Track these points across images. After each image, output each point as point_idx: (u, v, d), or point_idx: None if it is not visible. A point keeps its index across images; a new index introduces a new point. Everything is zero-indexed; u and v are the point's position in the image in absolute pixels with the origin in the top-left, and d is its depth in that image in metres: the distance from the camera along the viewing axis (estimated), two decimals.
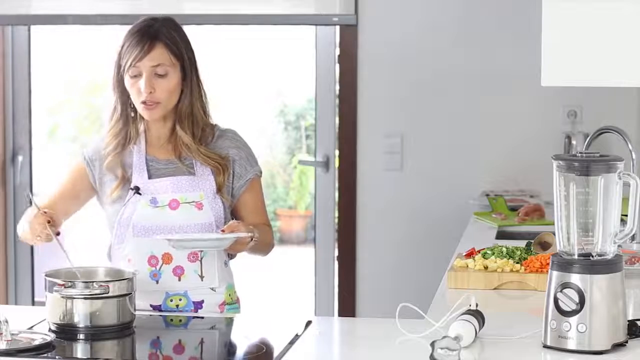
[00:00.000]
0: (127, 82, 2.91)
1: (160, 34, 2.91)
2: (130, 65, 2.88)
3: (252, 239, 2.83)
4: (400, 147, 4.95)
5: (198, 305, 2.90)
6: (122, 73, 2.92)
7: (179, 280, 2.89)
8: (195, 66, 2.98)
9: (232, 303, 2.98)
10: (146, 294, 2.85)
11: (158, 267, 2.88)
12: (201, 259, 2.90)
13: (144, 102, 2.89)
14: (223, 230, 2.81)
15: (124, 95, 2.95)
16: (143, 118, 2.95)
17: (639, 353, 2.25)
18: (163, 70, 2.90)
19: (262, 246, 2.97)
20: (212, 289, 2.92)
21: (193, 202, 2.90)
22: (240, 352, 2.52)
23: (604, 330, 2.23)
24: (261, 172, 3.04)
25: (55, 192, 3.00)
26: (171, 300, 2.89)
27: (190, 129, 2.95)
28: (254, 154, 3.05)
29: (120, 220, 2.90)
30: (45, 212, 2.77)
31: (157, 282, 2.88)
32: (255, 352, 2.42)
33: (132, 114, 2.97)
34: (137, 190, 2.90)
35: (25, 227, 2.85)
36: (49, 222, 2.76)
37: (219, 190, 2.93)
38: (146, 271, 2.87)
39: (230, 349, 2.57)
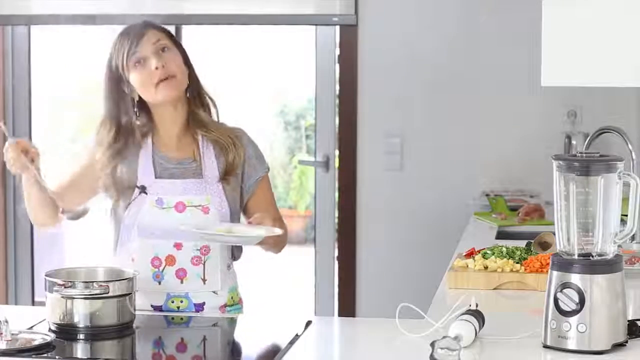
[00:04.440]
0: (134, 74, 2.87)
1: (146, 24, 2.92)
2: (130, 52, 2.87)
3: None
4: (400, 147, 4.95)
5: (199, 307, 2.90)
6: (127, 73, 2.88)
7: (181, 282, 2.88)
8: (186, 52, 2.97)
9: (234, 305, 2.97)
10: (148, 294, 2.85)
11: (161, 268, 2.88)
12: (204, 262, 2.89)
13: (159, 82, 2.86)
14: (250, 222, 2.80)
15: (118, 104, 2.91)
16: (149, 120, 2.94)
17: (639, 353, 2.25)
18: (164, 45, 2.89)
19: (278, 243, 2.97)
20: (214, 292, 2.92)
21: (199, 205, 2.89)
22: (240, 351, 2.52)
23: (604, 330, 2.23)
24: (269, 169, 3.05)
25: (65, 182, 2.96)
26: (172, 302, 2.89)
27: (201, 108, 2.96)
28: (261, 151, 3.05)
29: (126, 219, 2.89)
30: (18, 142, 2.76)
31: (160, 283, 2.88)
32: (255, 352, 2.42)
33: (135, 119, 2.92)
34: (143, 189, 2.89)
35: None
36: (24, 152, 2.77)
37: (228, 173, 2.92)
38: (149, 272, 2.86)
39: (231, 348, 2.57)
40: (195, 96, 2.97)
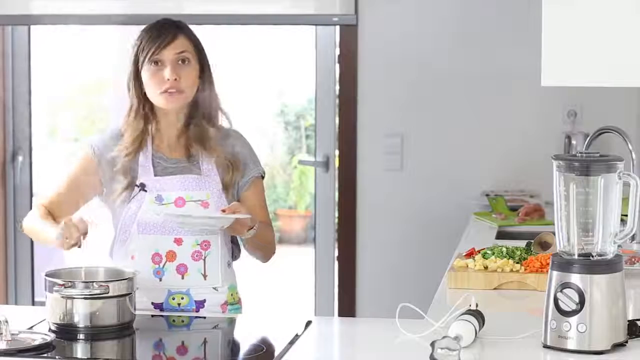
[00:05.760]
0: (147, 72, 2.89)
1: (182, 25, 2.94)
2: (153, 54, 2.88)
3: (252, 227, 2.83)
4: (400, 147, 4.95)
5: (200, 304, 2.90)
6: (140, 67, 2.91)
7: (182, 278, 2.89)
8: (209, 64, 2.98)
9: (234, 303, 2.98)
10: (148, 291, 2.85)
11: (162, 264, 2.88)
12: (205, 257, 2.90)
13: (165, 91, 2.88)
14: (224, 210, 2.80)
15: (140, 93, 2.93)
16: (153, 118, 2.94)
17: (639, 353, 2.25)
18: (187, 57, 2.90)
19: (262, 244, 2.97)
20: (214, 288, 2.92)
21: (199, 200, 2.90)
22: (240, 352, 2.52)
23: (604, 330, 2.23)
24: (264, 173, 3.05)
25: (62, 186, 2.96)
26: (173, 299, 2.90)
27: (207, 124, 2.95)
28: (257, 155, 3.05)
29: (125, 217, 2.90)
30: (88, 222, 2.69)
31: (160, 279, 2.88)
32: (255, 352, 2.42)
33: (149, 113, 2.95)
34: (142, 187, 2.90)
35: (48, 230, 2.78)
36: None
37: (226, 189, 2.93)
38: (149, 268, 2.87)
39: (230, 349, 2.57)
40: (202, 108, 2.95)
